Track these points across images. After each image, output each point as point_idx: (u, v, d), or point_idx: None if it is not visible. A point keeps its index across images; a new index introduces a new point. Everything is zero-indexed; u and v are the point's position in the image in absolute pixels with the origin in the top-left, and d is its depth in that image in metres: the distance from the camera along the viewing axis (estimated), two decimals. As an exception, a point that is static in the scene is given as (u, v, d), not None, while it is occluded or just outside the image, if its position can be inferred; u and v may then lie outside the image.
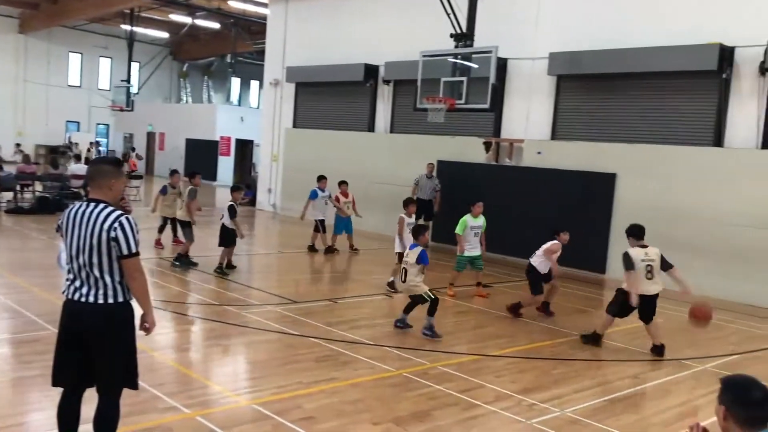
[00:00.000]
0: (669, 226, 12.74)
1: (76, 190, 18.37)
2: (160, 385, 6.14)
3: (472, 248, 11.33)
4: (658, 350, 8.44)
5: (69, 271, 4.41)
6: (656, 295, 8.45)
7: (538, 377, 7.36)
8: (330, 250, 14.71)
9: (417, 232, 9.05)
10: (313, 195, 14.82)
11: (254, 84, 42.37)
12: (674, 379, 7.61)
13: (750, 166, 12.21)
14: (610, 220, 13.75)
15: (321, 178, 15.09)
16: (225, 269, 11.76)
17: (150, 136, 36.78)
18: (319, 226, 14.70)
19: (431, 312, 8.46)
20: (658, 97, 13.70)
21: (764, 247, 11.79)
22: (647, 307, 8.41)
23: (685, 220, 12.54)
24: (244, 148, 33.63)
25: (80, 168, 19.15)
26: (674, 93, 13.47)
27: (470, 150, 16.26)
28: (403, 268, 8.70)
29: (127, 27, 31.86)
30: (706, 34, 12.56)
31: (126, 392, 4.48)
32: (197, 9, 31.17)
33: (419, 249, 8.67)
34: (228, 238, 11.90)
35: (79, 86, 39.63)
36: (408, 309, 8.79)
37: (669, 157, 13.14)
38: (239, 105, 40.64)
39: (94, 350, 4.30)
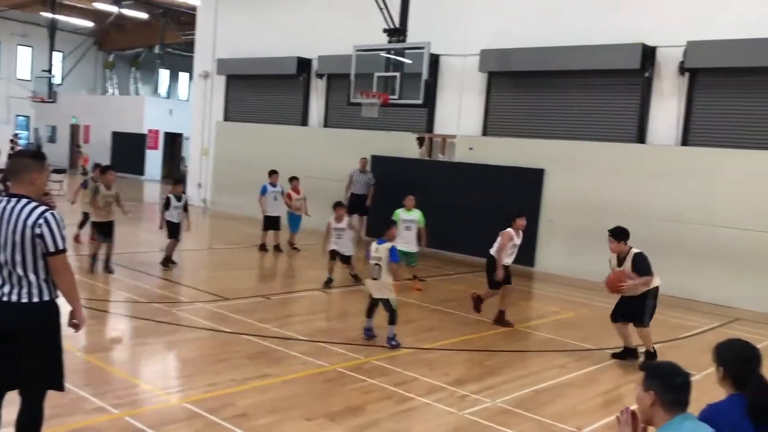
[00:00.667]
0: (594, 219, 13.16)
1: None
2: (87, 386, 5.97)
3: (405, 243, 11.16)
4: (634, 353, 8.14)
5: (-11, 270, 4.23)
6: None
7: (470, 369, 7.50)
8: (294, 249, 14.52)
9: (385, 226, 8.44)
10: (263, 190, 14.53)
11: (183, 76, 41.44)
12: (599, 368, 7.87)
13: (670, 163, 12.71)
14: (539, 214, 14.09)
15: (272, 173, 14.66)
16: (168, 262, 11.73)
17: (74, 128, 35.52)
18: (269, 224, 14.44)
19: (394, 321, 7.99)
20: (584, 95, 14.11)
21: (681, 241, 12.30)
22: None
23: (609, 213, 12.92)
24: (173, 141, 32.92)
25: (-1, 162, 18.32)
26: (599, 91, 13.90)
27: (404, 145, 16.37)
28: (376, 264, 8.02)
29: (48, 14, 30.65)
30: (629, 33, 13.00)
31: (50, 393, 4.34)
32: (124, -2, 30.28)
33: (390, 245, 8.06)
34: (171, 230, 11.78)
35: (-3, 76, 37.91)
36: (371, 311, 8.21)
37: (594, 153, 13.55)
38: (168, 97, 39.67)
39: (17, 350, 4.14)
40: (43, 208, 4.16)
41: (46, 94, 30.07)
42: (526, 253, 14.08)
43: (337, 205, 11.40)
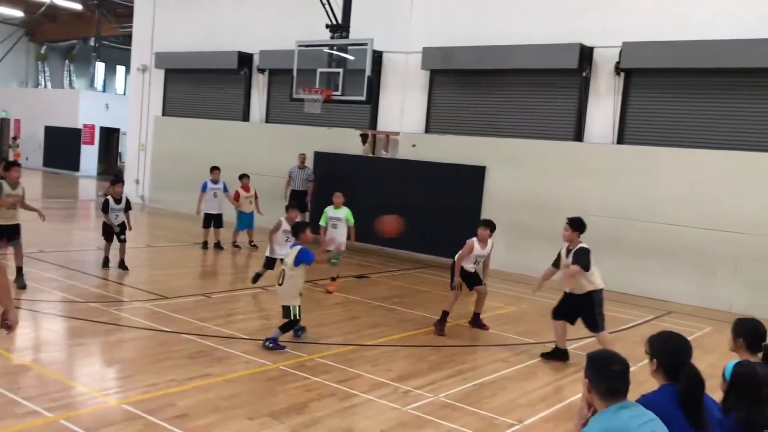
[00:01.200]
0: (533, 216, 13.44)
1: None
2: (18, 389, 5.76)
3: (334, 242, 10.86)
4: (565, 354, 8.08)
5: None
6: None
7: (413, 364, 7.54)
8: (235, 246, 14.30)
9: (297, 229, 8.13)
10: (203, 187, 14.25)
11: (120, 69, 40.38)
12: (539, 362, 8.02)
13: (607, 160, 13.06)
14: (480, 210, 14.26)
15: (213, 170, 14.38)
16: (106, 264, 11.35)
17: (4, 122, 34.22)
18: (209, 221, 14.15)
19: (284, 328, 7.67)
20: (524, 94, 14.35)
21: (618, 237, 12.65)
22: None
23: (548, 210, 13.21)
24: (110, 136, 32.09)
25: None
26: (539, 90, 14.16)
27: (347, 142, 16.33)
28: (282, 269, 7.89)
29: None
30: (568, 33, 13.28)
31: (-20, 398, 4.18)
32: (56, -12, 29.33)
33: (298, 248, 7.76)
34: (105, 232, 11.36)
35: None
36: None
37: (534, 151, 13.80)
38: (104, 91, 38.56)
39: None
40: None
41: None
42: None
43: (292, 207, 10.71)
